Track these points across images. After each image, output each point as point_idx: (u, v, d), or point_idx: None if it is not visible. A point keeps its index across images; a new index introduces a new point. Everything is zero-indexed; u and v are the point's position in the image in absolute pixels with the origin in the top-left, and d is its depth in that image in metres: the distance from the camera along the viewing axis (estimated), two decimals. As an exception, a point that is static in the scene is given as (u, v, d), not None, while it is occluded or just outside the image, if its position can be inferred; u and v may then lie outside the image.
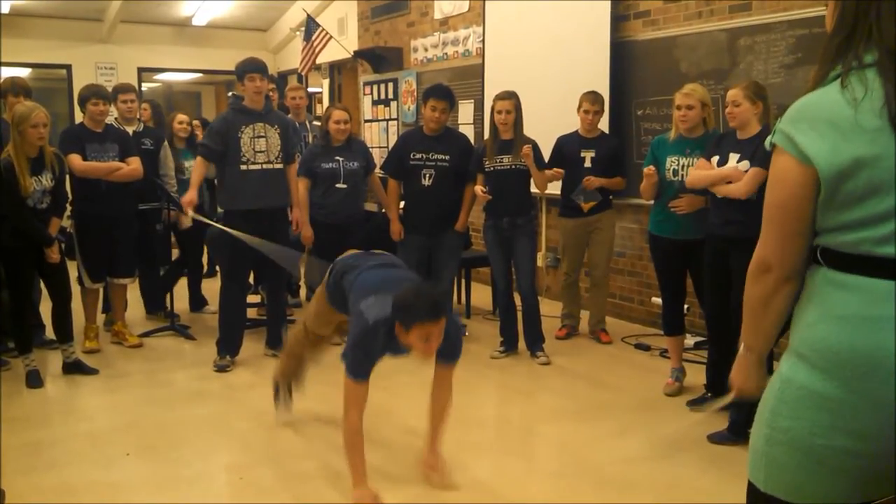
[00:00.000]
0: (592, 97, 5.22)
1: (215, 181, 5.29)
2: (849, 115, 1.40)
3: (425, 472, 3.21)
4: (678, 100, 4.20)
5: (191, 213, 4.85)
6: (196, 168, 4.95)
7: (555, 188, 5.36)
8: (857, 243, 1.43)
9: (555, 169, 5.18)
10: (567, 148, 5.25)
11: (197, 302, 6.39)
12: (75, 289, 5.11)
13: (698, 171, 3.89)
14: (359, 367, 2.97)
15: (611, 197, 5.38)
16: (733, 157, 3.76)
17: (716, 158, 3.84)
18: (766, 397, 1.56)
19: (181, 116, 6.27)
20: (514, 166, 4.93)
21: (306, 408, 4.21)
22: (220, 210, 5.60)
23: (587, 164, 5.19)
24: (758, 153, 3.66)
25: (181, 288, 6.30)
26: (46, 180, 4.49)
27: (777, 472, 1.51)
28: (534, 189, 5.07)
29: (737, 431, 3.64)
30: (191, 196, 4.82)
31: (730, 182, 3.70)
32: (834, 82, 1.45)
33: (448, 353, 3.09)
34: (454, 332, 3.07)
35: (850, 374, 1.41)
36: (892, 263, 1.40)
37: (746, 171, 3.66)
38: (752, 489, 1.59)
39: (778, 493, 1.52)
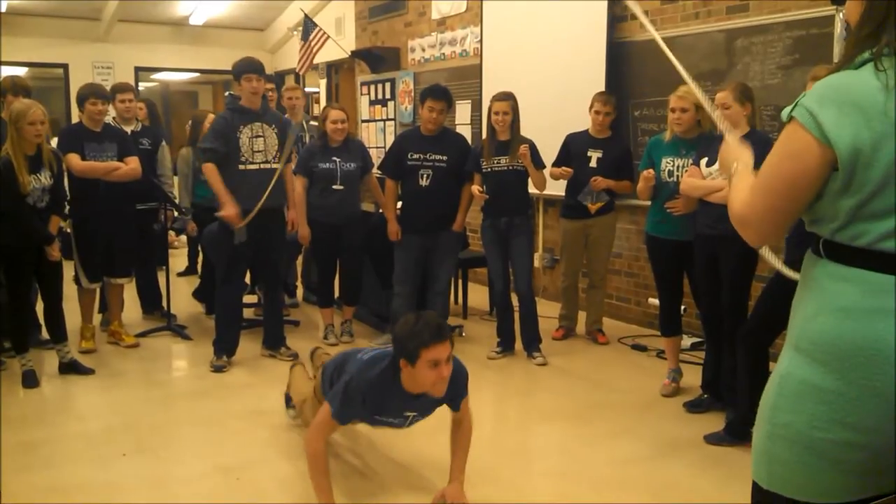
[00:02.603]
0: (605, 98, 5.22)
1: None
2: (879, 101, 1.38)
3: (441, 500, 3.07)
4: (672, 102, 4.21)
5: (241, 225, 4.70)
6: (212, 175, 4.73)
7: (554, 188, 5.36)
8: (862, 234, 1.42)
9: (563, 168, 5.18)
10: (575, 146, 5.25)
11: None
12: (72, 289, 5.11)
13: (690, 179, 3.91)
14: (344, 406, 2.83)
15: (614, 199, 5.37)
16: None
17: (705, 160, 3.86)
18: (766, 394, 1.56)
19: (213, 118, 6.18)
20: (511, 167, 4.93)
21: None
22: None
23: (592, 163, 5.19)
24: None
25: (180, 288, 6.29)
26: (45, 178, 4.48)
27: (779, 469, 1.51)
28: (532, 189, 5.07)
29: (734, 432, 3.64)
30: (233, 209, 4.68)
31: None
32: (866, 66, 1.42)
33: (455, 396, 2.98)
34: (458, 369, 2.92)
35: (849, 365, 1.40)
36: (893, 258, 1.39)
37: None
38: (755, 488, 1.59)
39: (780, 490, 1.51)
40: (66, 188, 4.85)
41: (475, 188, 5.01)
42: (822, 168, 1.42)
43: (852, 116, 1.39)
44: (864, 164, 1.39)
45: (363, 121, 9.33)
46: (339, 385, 2.89)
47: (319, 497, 2.90)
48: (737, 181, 1.62)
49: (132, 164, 5.12)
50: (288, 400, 3.97)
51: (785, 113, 1.49)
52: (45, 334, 4.96)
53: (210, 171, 4.76)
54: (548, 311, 5.76)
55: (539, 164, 4.98)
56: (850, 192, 1.41)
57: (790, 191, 1.46)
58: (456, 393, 2.98)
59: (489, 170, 4.98)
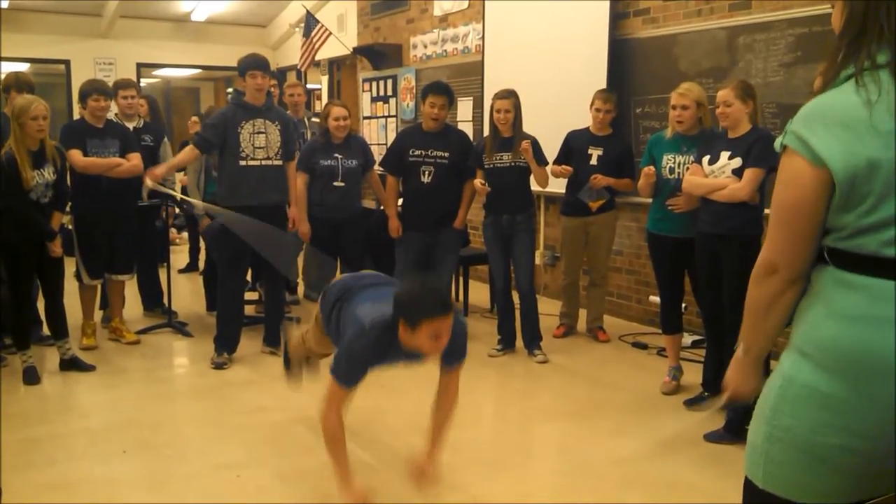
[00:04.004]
0: (605, 96, 5.20)
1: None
2: (864, 116, 1.38)
3: (414, 472, 2.95)
4: (674, 99, 4.20)
5: (150, 182, 4.83)
6: (184, 154, 4.99)
7: (556, 186, 5.35)
8: (866, 244, 1.42)
9: (563, 166, 5.17)
10: (575, 143, 5.24)
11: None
12: (73, 285, 5.11)
13: (693, 177, 3.90)
14: (350, 373, 2.78)
15: (615, 197, 5.36)
16: (724, 155, 3.77)
17: (707, 158, 3.86)
18: (766, 394, 1.56)
19: None
20: (514, 163, 4.93)
21: (303, 405, 4.20)
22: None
23: (593, 161, 5.17)
24: (752, 152, 3.67)
25: (181, 285, 6.29)
26: (48, 173, 4.49)
27: (776, 470, 1.51)
28: (534, 186, 5.06)
29: (733, 430, 3.64)
30: (159, 171, 4.93)
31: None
32: (847, 83, 1.43)
33: (453, 355, 2.94)
34: (459, 331, 2.87)
35: (856, 373, 1.40)
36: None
37: (736, 169, 3.69)
38: (749, 485, 1.59)
39: (776, 490, 1.51)
40: (69, 184, 4.85)
41: (477, 182, 5.00)
42: (820, 189, 1.43)
43: (841, 136, 1.40)
44: (863, 180, 1.39)
45: (365, 117, 9.32)
46: (340, 354, 2.85)
47: (336, 470, 2.85)
48: (746, 305, 1.65)
49: (134, 161, 5.13)
50: (287, 362, 3.91)
51: (777, 143, 1.51)
52: (46, 331, 4.96)
53: (186, 149, 4.99)
54: (549, 309, 5.76)
55: (542, 161, 4.98)
56: (850, 207, 1.42)
57: (797, 218, 1.47)
58: (453, 351, 2.91)
59: (491, 166, 4.98)
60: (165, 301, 5.88)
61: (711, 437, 3.71)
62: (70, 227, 5.23)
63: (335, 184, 5.28)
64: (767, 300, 1.56)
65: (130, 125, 5.63)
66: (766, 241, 1.54)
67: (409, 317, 2.66)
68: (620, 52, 5.80)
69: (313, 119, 6.62)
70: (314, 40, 8.92)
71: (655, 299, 5.16)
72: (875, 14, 1.42)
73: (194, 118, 7.26)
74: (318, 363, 3.86)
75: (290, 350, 3.89)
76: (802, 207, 1.46)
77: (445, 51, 7.91)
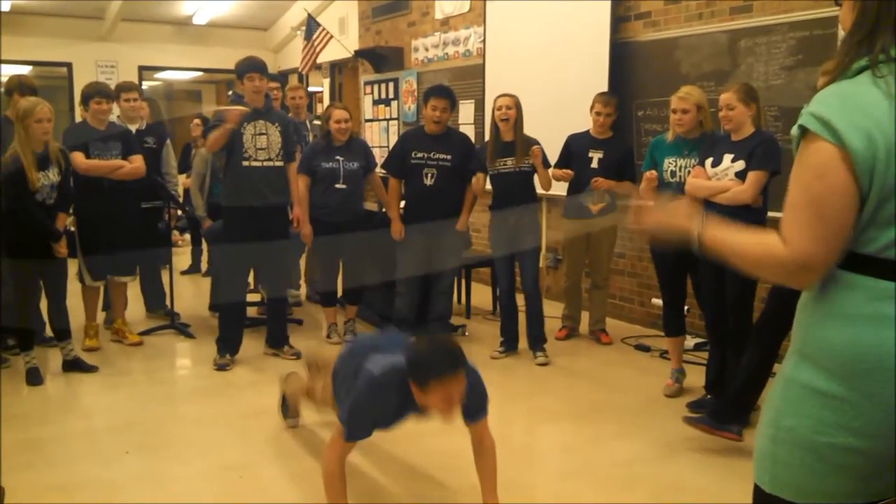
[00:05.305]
0: (605, 99, 5.20)
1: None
2: (884, 107, 1.36)
3: None
4: (674, 103, 4.21)
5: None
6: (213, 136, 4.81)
7: (559, 189, 5.36)
8: (867, 243, 1.41)
9: (564, 170, 5.18)
10: (576, 147, 5.25)
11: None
12: (76, 287, 5.12)
13: (696, 180, 3.91)
14: (358, 428, 2.73)
15: (615, 200, 5.36)
16: (727, 158, 3.78)
17: (709, 160, 3.86)
18: (771, 397, 1.56)
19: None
20: (518, 168, 4.93)
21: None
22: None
23: (594, 164, 5.17)
24: (756, 155, 3.68)
25: (183, 286, 6.28)
26: (53, 175, 4.51)
27: (782, 472, 1.51)
28: (539, 189, 5.07)
29: (717, 417, 3.61)
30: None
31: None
32: (862, 75, 1.40)
33: (475, 410, 2.83)
34: (475, 381, 2.78)
35: (852, 371, 1.40)
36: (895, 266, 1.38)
37: (739, 172, 3.69)
38: (757, 491, 1.58)
39: (783, 494, 1.51)
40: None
41: (477, 182, 5.02)
42: (851, 173, 1.37)
43: (862, 122, 1.36)
44: (881, 171, 1.37)
45: (366, 120, 9.34)
46: (349, 403, 2.77)
47: None
48: (735, 244, 1.58)
49: (136, 163, 5.14)
50: (284, 410, 3.91)
51: (794, 130, 1.44)
52: (49, 332, 4.97)
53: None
54: (551, 311, 5.75)
55: (546, 164, 4.99)
56: (869, 198, 1.39)
57: (840, 208, 1.38)
58: (473, 407, 2.82)
59: (495, 172, 4.98)
60: (168, 303, 5.89)
61: (690, 421, 3.69)
62: (72, 228, 5.24)
63: (337, 186, 5.29)
64: (776, 281, 1.51)
65: (133, 128, 5.64)
66: (797, 236, 1.42)
67: (418, 377, 2.58)
68: (621, 56, 5.81)
69: (315, 122, 6.63)
70: (315, 43, 8.93)
71: (658, 302, 5.16)
72: (888, 10, 1.40)
73: (197, 120, 7.27)
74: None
75: (288, 397, 3.86)
76: (844, 196, 1.38)
77: (447, 54, 7.92)
